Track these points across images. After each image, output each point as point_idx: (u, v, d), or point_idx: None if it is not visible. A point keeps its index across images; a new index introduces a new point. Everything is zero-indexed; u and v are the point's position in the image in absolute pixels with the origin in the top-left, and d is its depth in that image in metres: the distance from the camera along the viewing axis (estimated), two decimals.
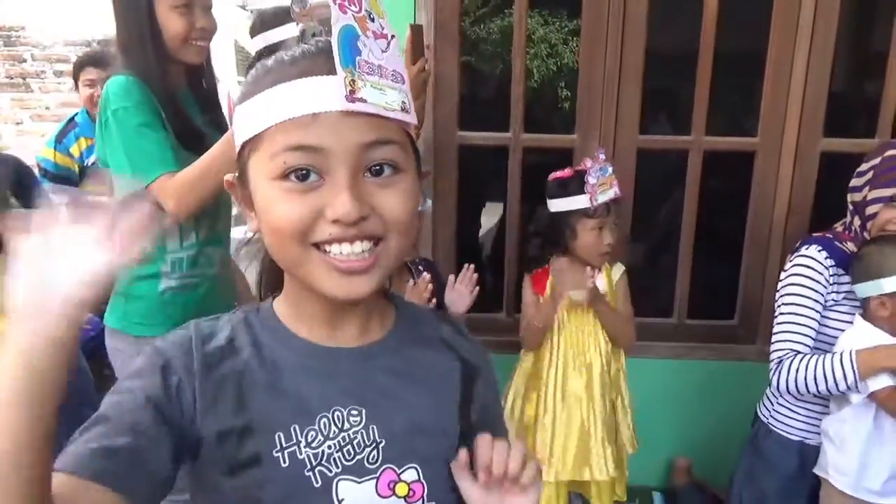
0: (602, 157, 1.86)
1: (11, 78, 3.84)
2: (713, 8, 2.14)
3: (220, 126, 1.68)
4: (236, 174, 0.70)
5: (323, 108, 0.60)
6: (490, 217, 4.08)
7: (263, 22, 1.97)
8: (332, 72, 0.60)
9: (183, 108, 1.60)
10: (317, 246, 0.63)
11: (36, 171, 2.60)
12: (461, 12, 2.25)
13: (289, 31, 1.91)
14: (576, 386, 1.90)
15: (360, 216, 0.61)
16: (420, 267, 1.88)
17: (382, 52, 0.64)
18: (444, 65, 2.22)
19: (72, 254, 0.50)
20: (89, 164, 2.65)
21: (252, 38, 2.00)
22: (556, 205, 1.90)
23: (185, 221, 1.54)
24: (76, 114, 2.78)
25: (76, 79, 2.79)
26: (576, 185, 1.85)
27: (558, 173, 1.92)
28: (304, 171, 0.61)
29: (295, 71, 0.62)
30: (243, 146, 0.66)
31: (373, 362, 0.72)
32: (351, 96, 0.60)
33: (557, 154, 2.30)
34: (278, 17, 1.91)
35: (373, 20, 0.64)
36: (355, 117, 0.61)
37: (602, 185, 1.83)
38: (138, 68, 1.52)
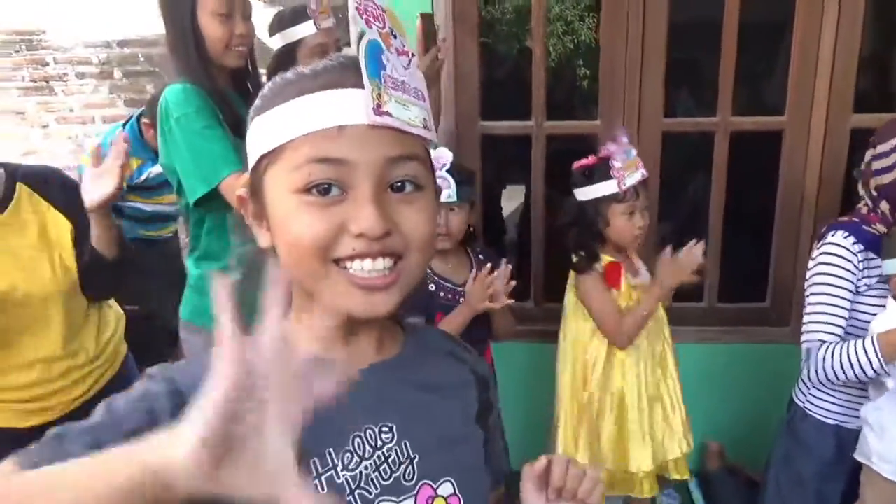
0: (625, 139, 1.82)
1: (35, 82, 3.86)
2: None
3: None
4: (247, 189, 0.67)
5: (349, 120, 0.59)
6: (510, 201, 4.04)
7: (281, 20, 1.97)
8: (358, 85, 0.59)
9: (234, 105, 1.66)
10: (336, 262, 0.61)
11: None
12: (479, 1, 2.22)
13: (307, 28, 1.92)
14: (655, 379, 1.93)
15: (385, 231, 0.60)
16: (480, 256, 1.88)
17: (405, 69, 0.63)
18: (463, 55, 2.19)
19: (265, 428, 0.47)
20: (139, 182, 2.64)
21: (271, 36, 2.00)
22: (584, 193, 1.85)
23: None
24: (125, 124, 2.60)
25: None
26: (601, 171, 1.82)
27: (582, 161, 1.89)
28: (325, 186, 0.60)
29: (318, 83, 0.61)
30: (260, 159, 0.64)
31: (395, 376, 0.70)
32: (378, 110, 0.59)
33: (580, 140, 2.28)
34: (297, 16, 1.91)
35: (395, 37, 0.64)
36: (381, 131, 0.60)
37: (628, 167, 1.80)
38: (187, 72, 1.60)
